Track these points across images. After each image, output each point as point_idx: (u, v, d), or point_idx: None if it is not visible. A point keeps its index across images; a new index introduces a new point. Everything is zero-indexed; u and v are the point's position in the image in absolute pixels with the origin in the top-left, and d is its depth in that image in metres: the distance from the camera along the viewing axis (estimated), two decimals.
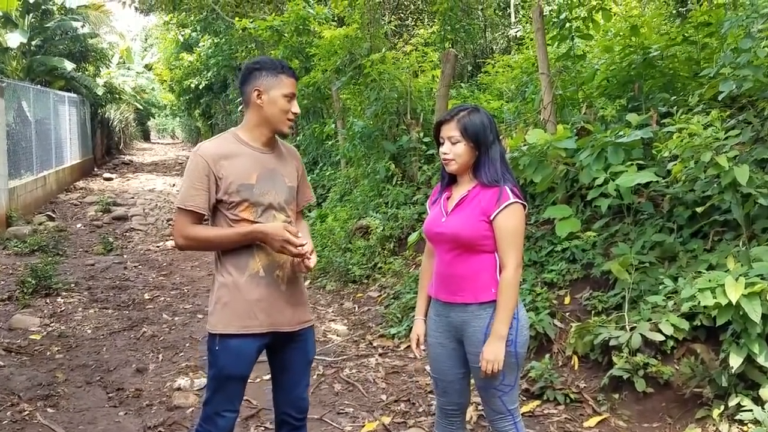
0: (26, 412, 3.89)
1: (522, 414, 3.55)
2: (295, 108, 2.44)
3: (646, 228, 4.33)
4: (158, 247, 9.47)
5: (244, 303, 2.38)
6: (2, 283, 6.94)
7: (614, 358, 3.65)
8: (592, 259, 4.48)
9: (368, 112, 7.74)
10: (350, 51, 7.91)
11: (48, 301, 6.35)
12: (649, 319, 3.66)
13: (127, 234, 10.51)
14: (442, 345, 2.55)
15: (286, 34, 9.51)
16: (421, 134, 7.18)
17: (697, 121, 3.45)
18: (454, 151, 2.43)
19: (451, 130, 2.44)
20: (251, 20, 10.16)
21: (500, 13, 12.45)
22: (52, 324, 5.67)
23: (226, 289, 2.40)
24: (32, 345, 5.12)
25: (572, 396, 3.75)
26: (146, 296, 6.72)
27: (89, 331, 5.52)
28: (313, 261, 2.41)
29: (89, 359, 4.85)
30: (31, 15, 16.91)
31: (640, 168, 3.95)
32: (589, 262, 4.51)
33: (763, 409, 3.06)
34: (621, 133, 4.14)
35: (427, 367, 3.97)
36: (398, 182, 7.33)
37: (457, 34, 9.44)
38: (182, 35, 19.32)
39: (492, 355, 2.36)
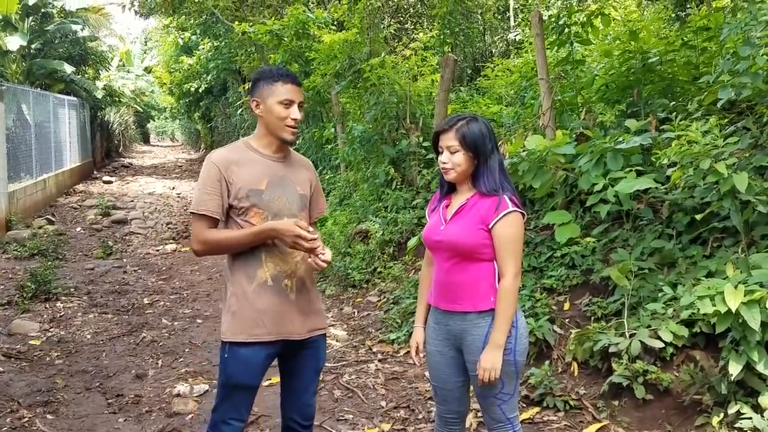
0: (26, 419, 3.89)
1: (522, 421, 3.55)
2: (295, 114, 2.45)
3: (645, 234, 4.33)
4: (158, 250, 9.47)
5: (252, 312, 2.41)
6: (1, 287, 6.94)
7: (614, 365, 3.65)
8: (592, 264, 4.48)
9: (368, 116, 7.74)
10: (350, 55, 7.91)
11: (47, 305, 6.35)
12: (649, 326, 3.66)
13: (127, 237, 10.50)
14: (441, 353, 2.55)
15: (285, 39, 9.52)
16: (421, 138, 7.19)
17: (696, 128, 3.45)
18: (453, 160, 2.44)
19: (449, 140, 2.44)
20: (251, 24, 10.17)
21: (499, 17, 12.47)
22: (51, 329, 5.67)
23: (235, 298, 2.44)
24: (32, 350, 5.12)
25: (572, 403, 3.75)
26: (146, 301, 6.72)
27: (89, 336, 5.52)
28: (327, 256, 2.42)
29: (89, 365, 4.85)
30: (30, 18, 16.90)
31: (639, 174, 3.96)
32: (588, 268, 4.51)
33: (763, 416, 3.06)
34: (620, 139, 4.15)
35: (427, 374, 3.97)
36: (398, 186, 7.33)
37: (456, 37, 9.47)
38: (182, 38, 19.34)
39: (489, 363, 2.37)
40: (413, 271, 6.10)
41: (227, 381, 2.44)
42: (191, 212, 2.44)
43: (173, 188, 16.66)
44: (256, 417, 3.90)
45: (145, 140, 40.56)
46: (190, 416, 3.98)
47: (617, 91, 5.61)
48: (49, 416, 3.96)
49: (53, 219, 11.47)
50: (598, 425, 3.54)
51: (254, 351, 2.41)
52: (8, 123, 10.82)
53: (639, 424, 3.50)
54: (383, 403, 4.11)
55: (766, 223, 3.77)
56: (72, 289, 6.92)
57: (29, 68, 16.56)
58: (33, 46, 16.99)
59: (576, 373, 3.98)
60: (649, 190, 4.12)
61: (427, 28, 11.69)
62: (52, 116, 14.80)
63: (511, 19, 11.99)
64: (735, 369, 3.13)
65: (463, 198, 2.49)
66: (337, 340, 5.33)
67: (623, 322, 3.82)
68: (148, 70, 27.12)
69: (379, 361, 4.84)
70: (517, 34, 11.18)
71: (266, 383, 4.06)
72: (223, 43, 15.19)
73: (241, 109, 15.65)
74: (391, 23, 11.60)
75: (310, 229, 2.37)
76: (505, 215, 2.39)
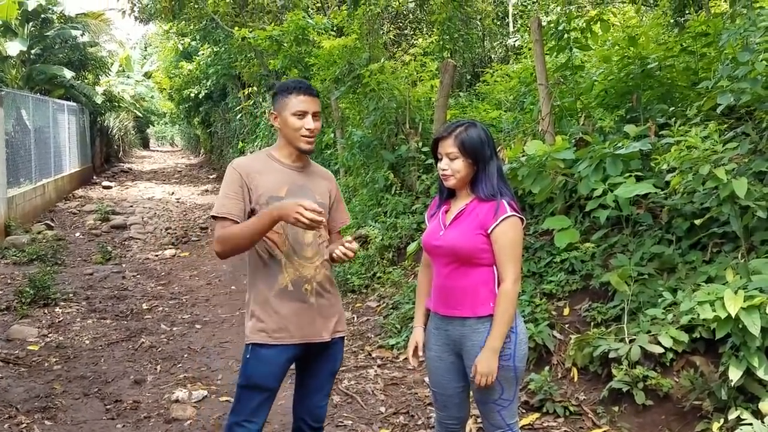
0: (24, 425, 3.88)
1: (521, 427, 3.55)
2: (309, 124, 2.49)
3: (644, 239, 4.33)
4: (157, 255, 9.45)
5: (275, 316, 2.48)
6: (0, 292, 6.93)
7: (614, 371, 3.64)
8: (591, 270, 4.48)
9: (367, 122, 7.75)
10: (349, 61, 7.92)
11: (46, 311, 6.33)
12: (649, 331, 3.66)
13: (126, 243, 10.49)
14: (441, 359, 2.55)
15: (285, 44, 9.53)
16: (420, 144, 7.19)
17: (695, 133, 3.45)
18: (453, 167, 2.44)
19: (449, 147, 2.44)
20: (250, 30, 10.19)
21: (498, 23, 12.51)
22: (50, 334, 5.65)
23: (257, 303, 2.51)
24: (30, 356, 5.10)
25: (572, 408, 3.74)
26: (144, 306, 6.71)
27: (87, 342, 5.51)
28: (354, 245, 2.44)
29: (87, 370, 4.83)
30: (30, 24, 16.94)
31: (639, 179, 3.95)
32: (588, 273, 4.51)
33: (763, 422, 3.04)
34: (619, 144, 4.15)
35: (426, 379, 3.96)
36: (397, 191, 7.33)
37: (455, 43, 9.48)
38: (182, 44, 19.35)
39: (485, 367, 2.36)
40: (413, 276, 6.09)
41: (246, 382, 2.50)
42: (212, 216, 2.50)
43: (173, 193, 16.66)
44: None
45: (145, 145, 40.59)
46: (188, 422, 3.97)
47: (616, 96, 5.61)
48: (47, 422, 3.95)
49: (52, 224, 11.46)
50: (598, 431, 3.53)
51: (277, 353, 2.48)
52: (8, 128, 10.82)
53: (639, 429, 3.49)
54: (382, 409, 4.10)
55: (766, 228, 3.76)
56: (71, 295, 6.90)
57: (29, 73, 16.59)
58: (33, 51, 17.03)
59: (576, 379, 3.97)
60: (648, 196, 4.12)
61: (427, 33, 11.72)
62: (52, 121, 14.81)
63: (510, 24, 12.03)
64: (735, 374, 3.13)
65: (462, 203, 2.49)
66: None
67: (623, 328, 3.82)
68: (147, 75, 27.15)
69: (379, 366, 4.83)
70: (516, 40, 11.22)
71: None
72: (223, 48, 15.19)
73: (240, 115, 15.65)
74: (391, 29, 11.63)
75: (314, 205, 2.29)
76: (503, 220, 2.39)
